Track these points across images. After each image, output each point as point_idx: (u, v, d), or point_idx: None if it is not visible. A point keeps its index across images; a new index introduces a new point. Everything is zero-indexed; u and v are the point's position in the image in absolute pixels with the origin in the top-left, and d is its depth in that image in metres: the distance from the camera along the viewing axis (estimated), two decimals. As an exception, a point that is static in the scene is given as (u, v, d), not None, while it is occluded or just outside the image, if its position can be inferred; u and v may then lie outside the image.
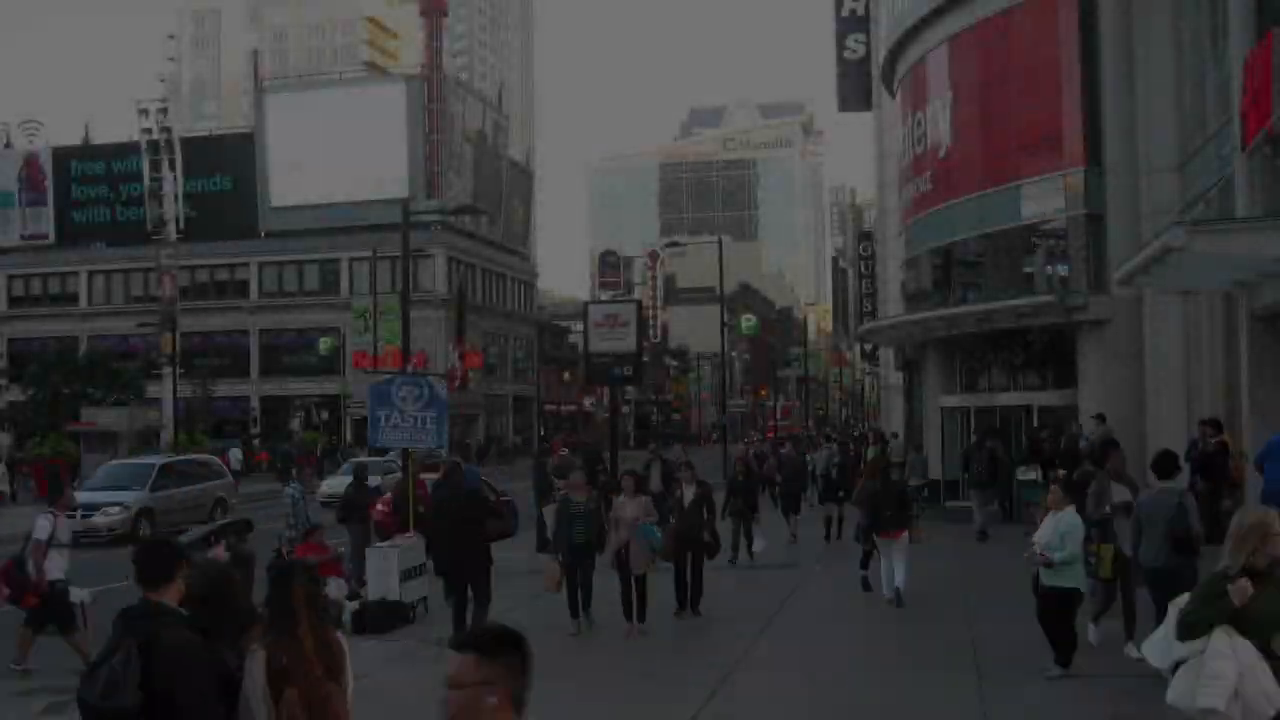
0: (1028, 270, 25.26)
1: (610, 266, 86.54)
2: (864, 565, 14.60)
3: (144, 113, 67.52)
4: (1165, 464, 9.96)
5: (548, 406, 79.88)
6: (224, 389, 63.71)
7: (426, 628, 12.93)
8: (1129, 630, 10.21)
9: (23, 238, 72.23)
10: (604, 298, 69.86)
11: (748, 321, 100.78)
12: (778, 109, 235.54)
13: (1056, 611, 9.69)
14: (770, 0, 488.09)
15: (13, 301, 71.27)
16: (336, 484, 27.22)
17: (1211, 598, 5.29)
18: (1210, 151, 18.68)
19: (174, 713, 4.40)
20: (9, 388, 59.06)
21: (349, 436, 59.07)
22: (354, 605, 13.29)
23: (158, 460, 28.43)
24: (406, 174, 65.92)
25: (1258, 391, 16.01)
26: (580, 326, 33.72)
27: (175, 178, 66.36)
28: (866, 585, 14.36)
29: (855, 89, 39.75)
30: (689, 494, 13.62)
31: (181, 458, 30.10)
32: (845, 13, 39.64)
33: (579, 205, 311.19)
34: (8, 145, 74.03)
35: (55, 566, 11.36)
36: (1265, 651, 5.11)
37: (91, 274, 70.65)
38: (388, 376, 16.69)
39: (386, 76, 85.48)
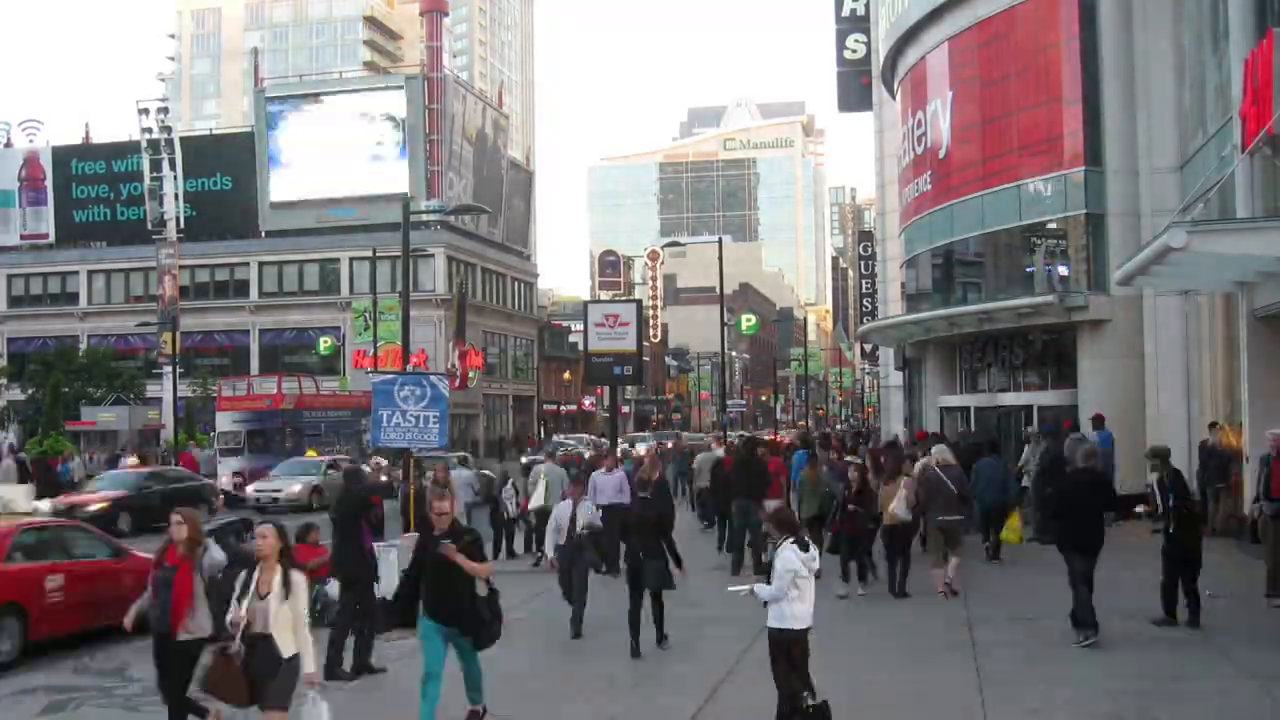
0: (1028, 270, 25.25)
1: (610, 266, 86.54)
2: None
3: (144, 112, 67.48)
4: None
5: (547, 406, 79.86)
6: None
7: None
8: None
9: (23, 237, 72.21)
10: (604, 298, 70.00)
11: (748, 321, 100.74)
12: (778, 109, 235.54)
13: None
14: (770, 0, 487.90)
15: (13, 301, 71.23)
16: None
17: None
18: (1210, 151, 18.68)
19: None
20: (9, 387, 59.02)
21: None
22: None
23: None
24: (406, 173, 65.92)
25: (1257, 391, 16.02)
26: (580, 326, 33.75)
27: (175, 177, 66.32)
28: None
29: (855, 89, 39.78)
30: None
31: None
32: (845, 13, 39.72)
33: (579, 205, 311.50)
34: (8, 145, 74.00)
35: None
36: None
37: (91, 274, 70.64)
38: (390, 375, 16.64)
39: (386, 76, 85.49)
